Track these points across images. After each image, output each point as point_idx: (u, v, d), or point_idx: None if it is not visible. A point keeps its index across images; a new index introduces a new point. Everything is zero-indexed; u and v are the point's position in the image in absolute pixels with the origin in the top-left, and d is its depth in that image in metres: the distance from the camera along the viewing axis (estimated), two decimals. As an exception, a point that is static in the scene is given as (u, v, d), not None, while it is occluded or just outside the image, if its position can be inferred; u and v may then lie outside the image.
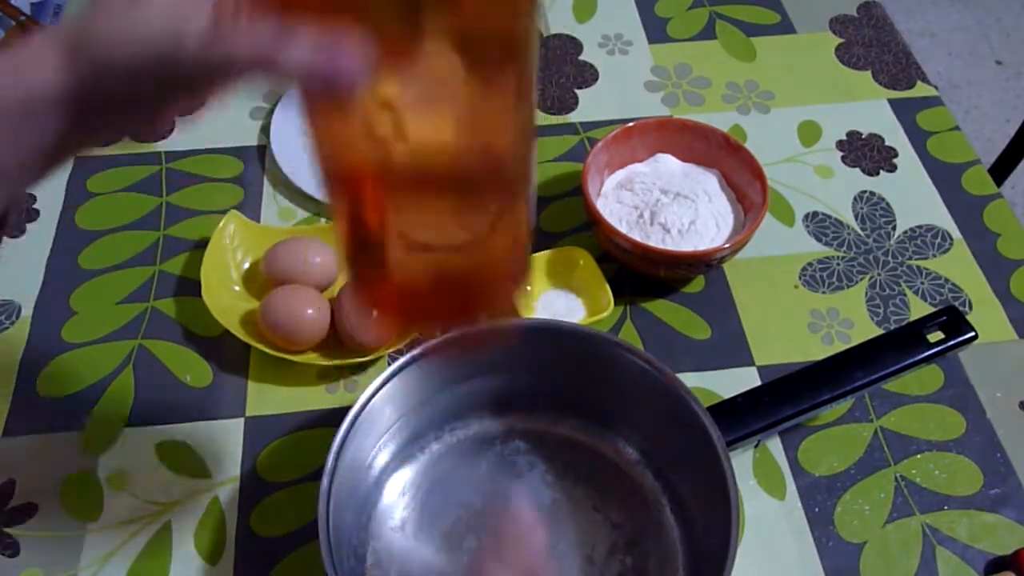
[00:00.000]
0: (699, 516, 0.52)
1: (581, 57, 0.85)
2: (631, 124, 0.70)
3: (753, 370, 0.63)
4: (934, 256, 0.70)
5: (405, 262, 0.37)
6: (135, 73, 0.32)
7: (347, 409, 0.49)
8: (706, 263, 0.64)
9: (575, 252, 0.66)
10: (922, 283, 0.69)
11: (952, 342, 0.56)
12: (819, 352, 0.63)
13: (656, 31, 0.88)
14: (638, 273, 0.67)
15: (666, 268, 0.65)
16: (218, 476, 0.58)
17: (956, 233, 0.72)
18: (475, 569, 0.52)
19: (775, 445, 0.60)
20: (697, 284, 0.68)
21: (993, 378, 0.63)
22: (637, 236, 0.64)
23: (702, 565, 0.50)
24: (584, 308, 0.65)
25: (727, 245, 0.63)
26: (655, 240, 0.65)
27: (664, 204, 0.66)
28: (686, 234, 0.65)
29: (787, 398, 0.54)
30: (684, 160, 0.71)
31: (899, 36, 0.88)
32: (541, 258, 0.66)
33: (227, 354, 0.63)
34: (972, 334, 0.56)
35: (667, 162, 0.71)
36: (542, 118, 0.80)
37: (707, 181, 0.69)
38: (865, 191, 0.75)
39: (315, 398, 0.61)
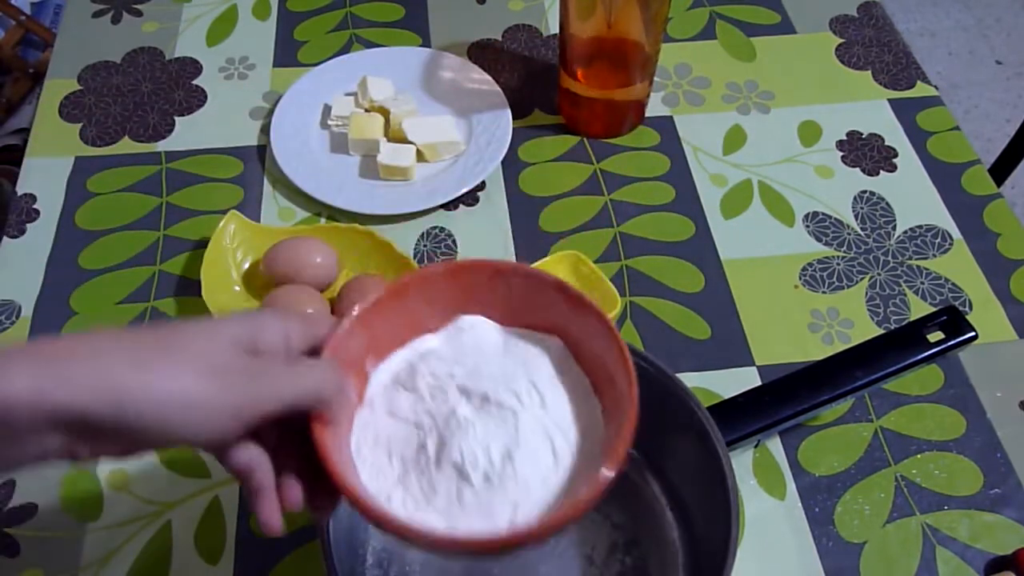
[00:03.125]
0: (699, 516, 0.52)
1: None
2: (407, 277, 0.42)
3: (753, 370, 0.63)
4: (934, 256, 0.70)
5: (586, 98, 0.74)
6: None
7: (347, 409, 0.49)
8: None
9: (571, 257, 0.66)
10: (922, 283, 0.69)
11: (952, 342, 0.56)
12: (819, 352, 0.63)
13: (656, 31, 0.88)
14: None
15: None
16: (218, 476, 0.58)
17: (956, 233, 0.72)
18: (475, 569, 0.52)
19: (775, 445, 0.60)
20: (697, 284, 0.68)
21: (993, 378, 0.63)
22: (409, 501, 0.37)
23: (702, 565, 0.50)
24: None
25: (555, 513, 0.36)
26: (440, 504, 0.37)
27: (463, 421, 0.38)
28: (497, 482, 0.37)
29: (787, 398, 0.54)
30: (506, 323, 0.43)
31: (899, 36, 0.88)
32: (539, 267, 0.66)
33: (227, 354, 0.63)
34: (972, 334, 0.56)
35: (477, 330, 0.43)
36: (541, 118, 0.80)
37: (538, 363, 0.42)
38: (865, 191, 0.75)
39: (315, 398, 0.61)
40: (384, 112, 0.76)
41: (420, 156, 0.75)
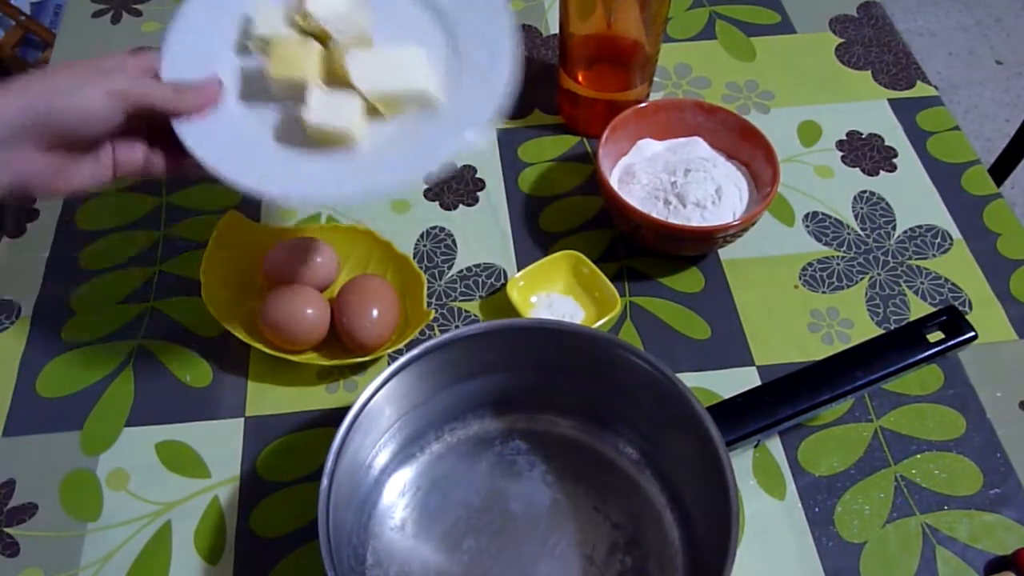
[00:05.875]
0: (699, 516, 0.52)
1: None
2: (615, 121, 0.69)
3: (753, 370, 0.63)
4: (934, 256, 0.70)
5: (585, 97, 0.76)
6: None
7: (347, 409, 0.49)
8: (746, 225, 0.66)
9: (571, 257, 0.66)
10: (922, 283, 0.69)
11: (952, 342, 0.56)
12: (819, 352, 0.63)
13: (656, 31, 0.88)
14: (662, 253, 0.69)
15: (724, 241, 0.67)
16: (218, 476, 0.58)
17: (956, 233, 0.72)
18: (475, 569, 0.52)
19: (775, 445, 0.60)
20: (697, 284, 0.68)
21: (993, 378, 0.63)
22: (678, 222, 0.65)
23: (702, 565, 0.50)
24: (585, 311, 0.65)
25: (757, 204, 0.66)
26: (697, 220, 0.65)
27: (684, 183, 0.66)
28: (720, 204, 0.66)
29: (787, 398, 0.54)
30: (661, 139, 0.72)
31: (899, 36, 0.88)
32: (539, 266, 0.66)
33: (227, 354, 0.63)
34: (972, 334, 0.56)
35: (650, 146, 0.72)
36: (541, 118, 0.80)
37: (696, 148, 0.70)
38: (865, 191, 0.75)
39: (315, 398, 0.62)
40: (324, 37, 0.51)
41: (372, 111, 0.51)
